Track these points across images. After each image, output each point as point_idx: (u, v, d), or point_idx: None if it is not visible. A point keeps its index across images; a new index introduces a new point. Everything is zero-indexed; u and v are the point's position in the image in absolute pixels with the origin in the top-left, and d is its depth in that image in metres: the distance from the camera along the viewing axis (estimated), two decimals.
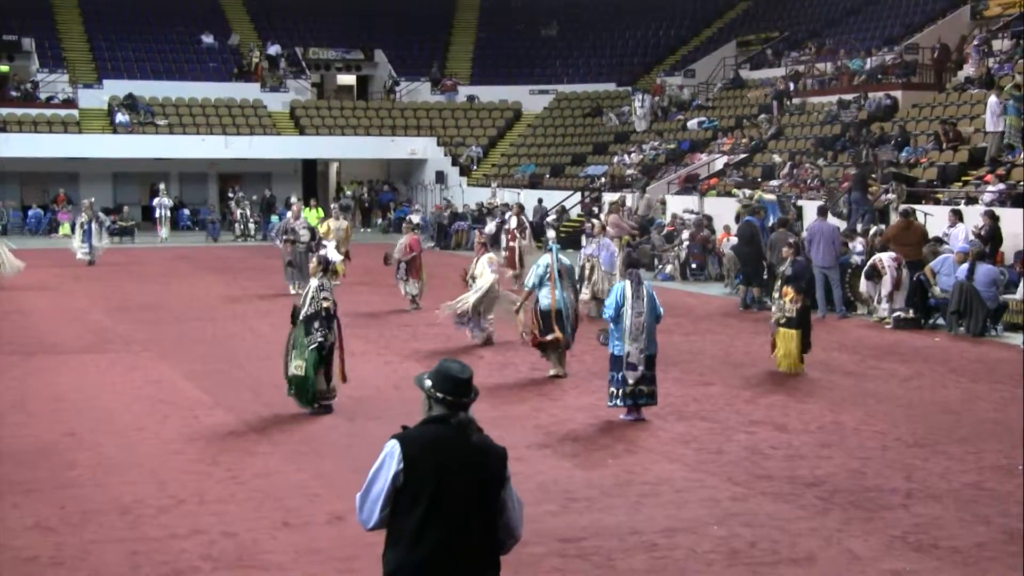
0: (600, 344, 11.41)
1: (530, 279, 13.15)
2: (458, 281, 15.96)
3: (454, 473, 4.31)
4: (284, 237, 20.33)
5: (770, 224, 20.38)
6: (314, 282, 11.08)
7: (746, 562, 7.14)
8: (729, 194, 27.09)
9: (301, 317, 10.90)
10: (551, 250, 13.24)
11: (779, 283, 13.37)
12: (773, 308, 13.49)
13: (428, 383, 4.44)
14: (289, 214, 21.92)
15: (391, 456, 4.31)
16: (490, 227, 20.19)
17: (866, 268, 17.62)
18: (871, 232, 19.48)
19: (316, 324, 10.78)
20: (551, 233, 21.29)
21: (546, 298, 12.88)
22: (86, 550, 7.31)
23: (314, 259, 11.64)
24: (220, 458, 9.51)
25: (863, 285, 17.80)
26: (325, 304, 10.84)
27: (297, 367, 10.83)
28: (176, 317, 18.19)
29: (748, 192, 25.15)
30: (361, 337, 15.14)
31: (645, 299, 10.82)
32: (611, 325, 10.93)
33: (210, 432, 10.49)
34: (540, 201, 32.95)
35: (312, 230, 20.96)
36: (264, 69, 42.70)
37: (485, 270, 14.93)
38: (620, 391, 10.83)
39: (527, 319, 13.37)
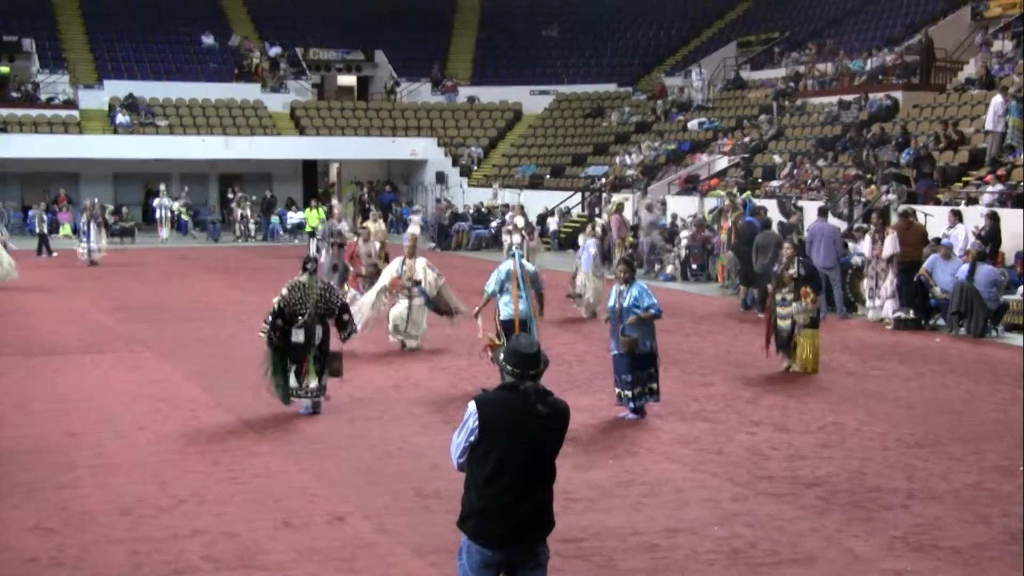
0: (628, 350, 11.01)
1: (490, 284, 12.59)
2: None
3: (521, 437, 4.94)
4: (331, 240, 19.99)
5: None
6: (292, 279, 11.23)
7: (747, 562, 7.14)
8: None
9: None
10: (513, 256, 12.80)
11: (791, 284, 13.18)
12: (789, 310, 13.12)
13: (501, 356, 5.08)
14: (332, 218, 21.51)
15: (472, 415, 4.96)
16: (413, 228, 19.79)
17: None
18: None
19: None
20: (516, 238, 21.17)
21: (507, 307, 12.39)
22: (87, 551, 7.32)
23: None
24: (221, 458, 9.51)
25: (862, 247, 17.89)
26: (275, 298, 10.98)
27: None
28: (177, 317, 18.21)
29: (733, 192, 25.05)
30: (361, 337, 15.10)
31: None
32: (648, 324, 10.87)
33: (211, 432, 10.50)
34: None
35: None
36: (264, 70, 42.70)
37: (428, 274, 14.71)
38: (647, 387, 10.92)
39: (486, 327, 12.68)
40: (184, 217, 37.25)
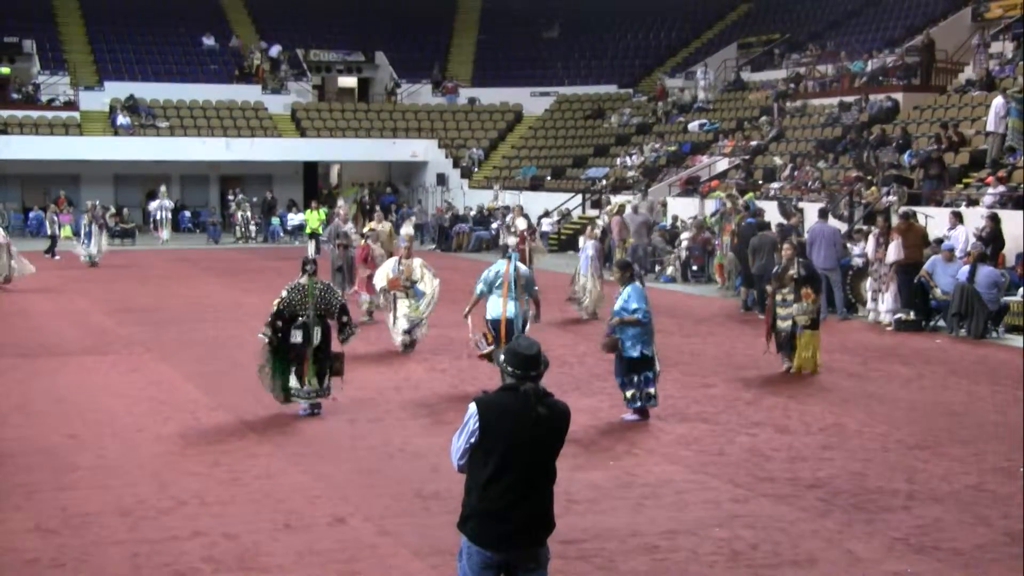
0: (608, 351, 11.10)
1: (479, 285, 12.59)
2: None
3: (521, 438, 4.93)
4: (337, 241, 19.98)
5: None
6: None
7: (747, 564, 7.14)
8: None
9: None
10: (509, 258, 12.76)
11: (791, 285, 13.18)
12: (789, 311, 13.12)
13: (502, 358, 5.08)
14: (338, 219, 21.48)
15: (472, 417, 4.96)
16: (407, 228, 19.75)
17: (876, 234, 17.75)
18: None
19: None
20: (511, 240, 21.17)
21: (496, 307, 12.36)
22: (87, 552, 7.32)
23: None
24: (221, 460, 9.51)
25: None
26: (275, 300, 11.03)
27: None
28: (177, 319, 18.21)
29: (733, 193, 25.02)
30: (362, 339, 15.09)
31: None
32: (638, 328, 10.72)
33: (211, 433, 10.50)
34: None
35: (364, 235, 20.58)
36: (265, 71, 42.70)
37: (426, 274, 14.77)
38: (643, 392, 10.84)
39: (475, 324, 12.69)
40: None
